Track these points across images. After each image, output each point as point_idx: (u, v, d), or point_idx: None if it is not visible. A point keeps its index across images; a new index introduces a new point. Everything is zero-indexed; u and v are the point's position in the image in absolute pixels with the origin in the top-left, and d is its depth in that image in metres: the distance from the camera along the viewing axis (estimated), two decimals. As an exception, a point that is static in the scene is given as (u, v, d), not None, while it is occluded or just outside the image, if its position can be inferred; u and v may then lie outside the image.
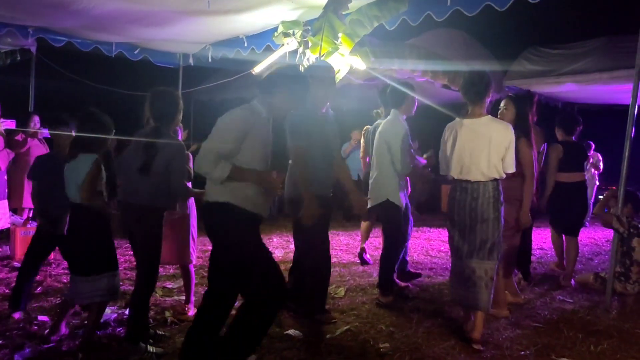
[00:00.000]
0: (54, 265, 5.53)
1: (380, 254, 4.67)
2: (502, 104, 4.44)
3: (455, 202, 3.68)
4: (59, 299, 4.37)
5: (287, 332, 3.71)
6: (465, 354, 3.42)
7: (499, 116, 4.28)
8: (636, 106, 4.46)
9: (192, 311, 4.00)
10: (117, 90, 8.03)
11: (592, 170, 9.77)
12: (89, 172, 3.31)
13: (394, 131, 4.53)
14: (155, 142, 3.31)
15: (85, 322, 3.68)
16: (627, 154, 4.37)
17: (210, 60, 7.52)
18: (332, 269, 5.00)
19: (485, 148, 3.54)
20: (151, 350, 3.30)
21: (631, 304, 4.41)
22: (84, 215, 3.38)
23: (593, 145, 9.83)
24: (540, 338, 3.73)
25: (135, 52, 7.44)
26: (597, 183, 10.18)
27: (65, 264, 5.58)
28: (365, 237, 6.18)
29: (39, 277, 5.01)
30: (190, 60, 7.97)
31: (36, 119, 6.38)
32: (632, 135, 4.42)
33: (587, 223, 9.89)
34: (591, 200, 10.18)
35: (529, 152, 4.14)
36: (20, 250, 5.66)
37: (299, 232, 4.06)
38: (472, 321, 3.62)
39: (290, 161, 4.00)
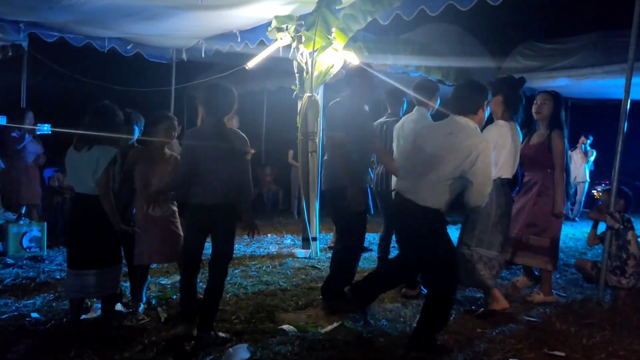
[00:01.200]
0: (47, 262, 5.50)
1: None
2: (538, 100, 4.52)
3: None
4: (51, 294, 4.35)
5: (281, 327, 3.71)
6: (459, 347, 3.43)
7: (535, 110, 4.51)
8: (629, 101, 4.47)
9: None
10: (110, 86, 7.99)
11: (582, 162, 9.77)
12: (108, 165, 3.36)
13: None
14: (228, 138, 3.35)
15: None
16: (619, 148, 4.39)
17: (203, 55, 7.50)
18: (325, 265, 5.04)
19: None
20: (222, 335, 3.41)
21: (624, 298, 4.43)
22: (93, 207, 3.42)
23: (591, 138, 9.82)
24: (534, 332, 3.74)
25: (128, 47, 7.42)
26: (588, 180, 10.18)
27: (58, 260, 5.58)
28: None
29: (32, 273, 5.01)
30: (184, 56, 7.95)
31: (30, 115, 6.34)
32: (625, 129, 4.44)
33: (577, 219, 9.94)
34: (583, 197, 10.24)
35: (560, 144, 4.37)
36: (12, 247, 5.64)
37: (343, 222, 4.23)
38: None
39: (329, 153, 4.27)
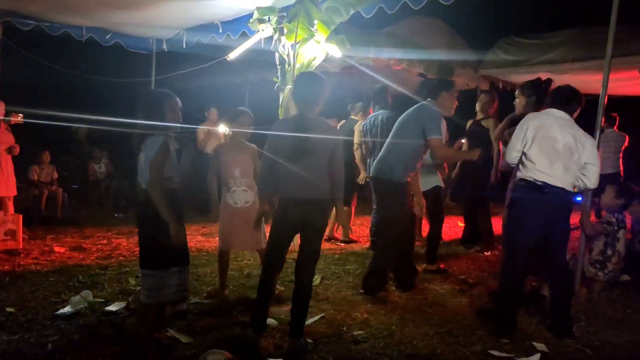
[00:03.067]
0: (22, 255, 5.41)
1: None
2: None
3: None
4: (28, 288, 4.28)
5: (262, 320, 3.70)
6: (439, 339, 3.46)
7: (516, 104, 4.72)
8: (606, 96, 4.54)
9: None
10: (88, 76, 7.85)
11: None
12: (155, 154, 2.99)
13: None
14: (316, 130, 3.20)
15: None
16: (597, 142, 4.44)
17: (184, 46, 7.40)
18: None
19: None
20: (310, 341, 3.33)
21: (599, 290, 4.51)
22: (152, 203, 2.99)
23: None
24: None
25: (107, 37, 7.27)
26: None
27: (34, 253, 5.50)
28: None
29: (7, 267, 4.92)
30: (164, 46, 7.83)
31: (2, 105, 6.18)
32: (602, 124, 4.50)
33: None
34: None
35: None
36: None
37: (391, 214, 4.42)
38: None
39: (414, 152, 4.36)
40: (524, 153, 3.61)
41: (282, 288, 4.24)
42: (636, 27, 6.79)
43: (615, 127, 8.59)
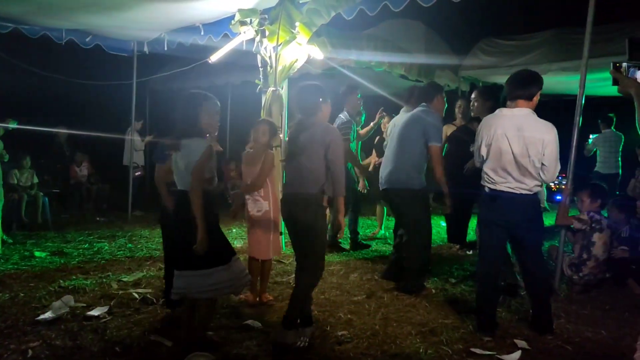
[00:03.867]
0: (2, 260, 5.33)
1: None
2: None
3: None
4: (7, 294, 4.22)
5: (245, 322, 3.70)
6: (421, 338, 3.49)
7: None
8: (583, 96, 4.61)
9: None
10: (68, 79, 7.77)
11: None
12: (200, 159, 2.99)
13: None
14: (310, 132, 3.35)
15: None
16: (575, 143, 4.52)
17: (166, 48, 7.36)
18: (290, 260, 5.06)
19: None
20: (303, 339, 3.35)
21: (577, 290, 4.58)
22: (187, 203, 3.00)
23: None
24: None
25: (87, 39, 7.22)
26: None
27: (14, 258, 5.42)
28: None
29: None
30: (145, 48, 7.78)
31: None
32: (579, 124, 4.58)
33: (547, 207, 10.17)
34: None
35: None
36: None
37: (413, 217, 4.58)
38: None
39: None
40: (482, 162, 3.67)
41: (248, 293, 4.20)
42: (613, 28, 6.92)
43: (612, 127, 8.71)
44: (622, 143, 8.73)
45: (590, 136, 9.39)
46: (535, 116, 3.60)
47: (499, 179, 3.54)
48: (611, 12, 7.21)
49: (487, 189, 3.63)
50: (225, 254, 3.17)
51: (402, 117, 4.78)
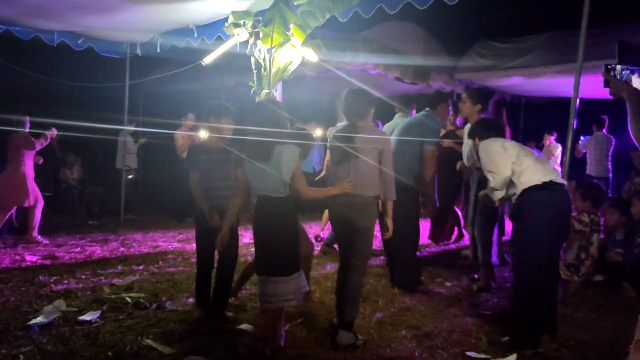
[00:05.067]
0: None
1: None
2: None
3: None
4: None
5: (239, 327, 3.66)
6: (417, 342, 3.47)
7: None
8: (578, 99, 4.62)
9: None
10: (60, 81, 7.70)
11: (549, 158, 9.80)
12: (296, 164, 3.06)
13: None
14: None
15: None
16: (569, 145, 4.52)
17: (159, 50, 7.31)
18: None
19: None
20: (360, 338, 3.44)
21: (573, 292, 4.58)
22: (283, 210, 3.10)
23: (555, 135, 9.81)
24: (488, 325, 3.83)
25: (79, 41, 7.16)
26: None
27: (5, 262, 5.36)
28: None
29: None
30: (138, 51, 7.73)
31: None
32: (575, 127, 4.57)
33: None
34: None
35: None
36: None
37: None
38: None
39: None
40: None
41: (233, 298, 4.18)
42: (607, 31, 6.94)
43: (604, 130, 8.65)
44: (613, 147, 8.69)
45: (582, 137, 9.39)
46: None
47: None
48: (606, 15, 7.23)
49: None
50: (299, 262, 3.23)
51: (398, 121, 4.85)
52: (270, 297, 3.08)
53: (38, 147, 6.34)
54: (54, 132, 6.46)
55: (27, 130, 6.31)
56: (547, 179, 3.38)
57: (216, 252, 3.81)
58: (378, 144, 3.43)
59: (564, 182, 3.51)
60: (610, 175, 8.71)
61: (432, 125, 4.76)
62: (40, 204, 6.46)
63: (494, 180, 3.53)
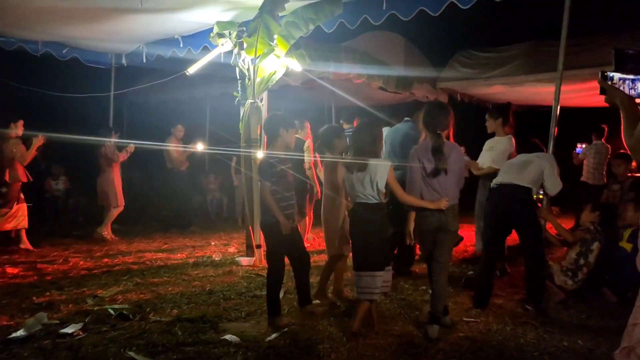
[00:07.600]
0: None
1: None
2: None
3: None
4: None
5: (223, 337, 3.65)
6: (401, 350, 3.48)
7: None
8: (558, 107, 4.71)
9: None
10: (44, 92, 7.66)
11: None
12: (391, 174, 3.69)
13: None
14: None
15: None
16: (550, 152, 4.60)
17: (144, 60, 7.32)
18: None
19: None
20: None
21: (558, 300, 4.60)
22: (377, 214, 3.70)
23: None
24: (472, 333, 3.86)
25: (64, 51, 7.16)
26: None
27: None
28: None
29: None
30: (124, 61, 7.74)
31: None
32: (555, 134, 4.66)
33: None
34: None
35: None
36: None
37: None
38: None
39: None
40: None
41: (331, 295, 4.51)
42: (586, 41, 7.07)
43: (603, 139, 8.62)
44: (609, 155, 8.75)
45: (578, 145, 9.46)
46: None
47: None
48: (585, 24, 7.35)
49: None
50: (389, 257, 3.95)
51: (384, 132, 4.94)
52: (369, 288, 3.66)
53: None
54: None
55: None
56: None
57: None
58: (459, 155, 3.85)
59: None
60: (606, 182, 8.78)
61: (414, 135, 4.90)
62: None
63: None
